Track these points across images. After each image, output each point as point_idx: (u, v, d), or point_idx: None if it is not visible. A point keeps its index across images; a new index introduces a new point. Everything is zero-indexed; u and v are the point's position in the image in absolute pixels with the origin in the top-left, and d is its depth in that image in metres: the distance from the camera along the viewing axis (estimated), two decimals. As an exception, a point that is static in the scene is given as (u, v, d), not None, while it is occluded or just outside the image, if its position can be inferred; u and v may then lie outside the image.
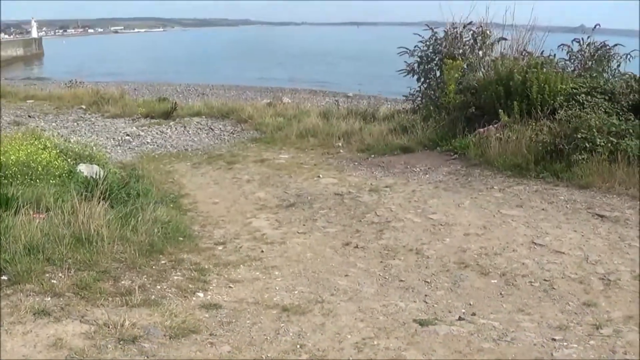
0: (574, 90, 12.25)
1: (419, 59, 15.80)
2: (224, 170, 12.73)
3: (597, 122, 10.56)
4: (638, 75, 12.76)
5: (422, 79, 15.85)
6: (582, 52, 14.43)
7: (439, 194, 10.14)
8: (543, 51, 14.47)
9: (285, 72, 55.47)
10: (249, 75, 57.47)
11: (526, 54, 14.35)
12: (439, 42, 15.53)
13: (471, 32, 15.46)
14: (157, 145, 16.05)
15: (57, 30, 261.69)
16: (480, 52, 15.19)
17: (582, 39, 14.58)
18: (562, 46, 14.82)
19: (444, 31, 15.60)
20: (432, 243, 7.97)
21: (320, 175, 11.75)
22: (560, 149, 10.65)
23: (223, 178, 12.05)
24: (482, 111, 13.10)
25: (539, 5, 17.24)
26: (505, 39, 15.21)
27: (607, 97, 11.86)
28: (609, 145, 10.17)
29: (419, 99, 16.12)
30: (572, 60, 14.51)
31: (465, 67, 14.78)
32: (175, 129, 18.10)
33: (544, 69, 12.60)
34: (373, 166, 12.40)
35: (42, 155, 9.72)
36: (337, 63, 77.00)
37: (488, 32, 15.27)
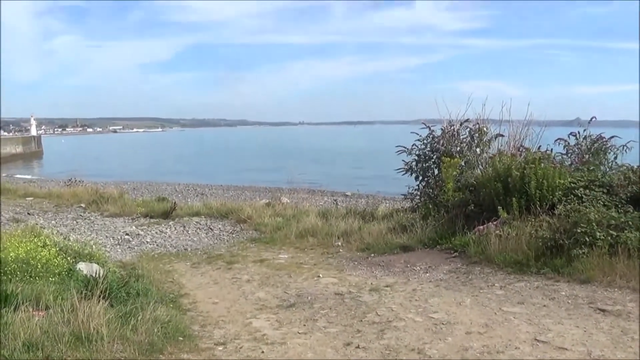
0: (572, 185, 12.31)
1: (416, 158, 15.88)
2: (223, 270, 12.69)
3: (596, 216, 10.56)
4: (635, 167, 12.83)
5: (421, 177, 15.88)
6: (579, 146, 14.53)
7: (440, 292, 10.06)
8: (540, 146, 14.59)
9: (283, 172, 55.84)
10: (247, 175, 57.96)
11: (523, 150, 14.41)
12: (436, 140, 15.62)
13: (468, 129, 15.57)
14: (157, 245, 16.06)
15: (56, 129, 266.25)
16: (478, 149, 15.29)
17: (579, 132, 14.69)
18: (558, 140, 14.92)
19: (441, 129, 15.72)
20: (434, 342, 7.86)
21: (320, 275, 11.70)
22: (561, 244, 10.59)
23: (223, 278, 11.99)
24: (481, 208, 13.11)
25: (535, 100, 17.46)
26: (502, 136, 15.35)
27: (605, 190, 11.89)
28: (609, 238, 10.12)
29: (418, 197, 16.10)
30: (569, 154, 14.58)
31: (463, 164, 14.88)
32: (175, 228, 18.14)
33: (542, 164, 12.67)
34: (373, 265, 12.35)
35: (42, 253, 9.72)
36: (334, 162, 77.80)
37: (485, 128, 15.39)
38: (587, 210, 10.84)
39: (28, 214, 20.98)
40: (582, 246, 10.20)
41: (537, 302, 9.08)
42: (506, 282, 10.19)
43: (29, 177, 56.38)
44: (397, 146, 16.24)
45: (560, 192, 12.19)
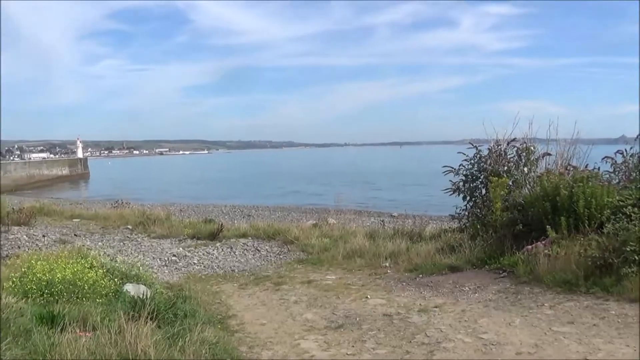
0: (621, 203, 12.06)
1: (464, 178, 15.72)
2: (271, 291, 12.67)
3: (645, 234, 10.38)
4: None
5: (468, 198, 15.72)
6: (626, 164, 14.33)
7: (489, 312, 9.93)
8: (587, 164, 14.42)
9: (330, 193, 55.90)
10: (293, 196, 58.11)
11: (571, 168, 14.25)
12: (483, 159, 15.44)
13: (515, 148, 15.38)
14: (204, 266, 16.13)
15: (102, 151, 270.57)
16: (525, 169, 15.02)
17: (625, 150, 14.52)
18: (605, 158, 14.73)
19: (488, 149, 15.55)
20: (484, 363, 7.79)
21: (368, 296, 11.62)
22: (610, 263, 10.41)
23: (270, 299, 11.97)
24: (530, 228, 12.95)
25: (580, 118, 17.26)
26: (550, 154, 15.14)
27: (654, 208, 11.69)
28: (659, 257, 9.96)
29: (466, 217, 15.90)
30: (616, 173, 14.38)
31: (510, 184, 14.68)
32: (222, 250, 18.19)
33: (590, 183, 12.51)
34: (421, 286, 12.23)
35: (89, 274, 9.81)
36: (380, 183, 77.63)
37: (532, 147, 15.19)
38: (636, 228, 10.66)
39: (75, 235, 21.21)
40: (632, 265, 10.01)
41: (586, 322, 8.94)
42: (555, 302, 10.04)
43: (75, 199, 57.00)
44: (444, 166, 16.10)
45: (608, 211, 12.00)
